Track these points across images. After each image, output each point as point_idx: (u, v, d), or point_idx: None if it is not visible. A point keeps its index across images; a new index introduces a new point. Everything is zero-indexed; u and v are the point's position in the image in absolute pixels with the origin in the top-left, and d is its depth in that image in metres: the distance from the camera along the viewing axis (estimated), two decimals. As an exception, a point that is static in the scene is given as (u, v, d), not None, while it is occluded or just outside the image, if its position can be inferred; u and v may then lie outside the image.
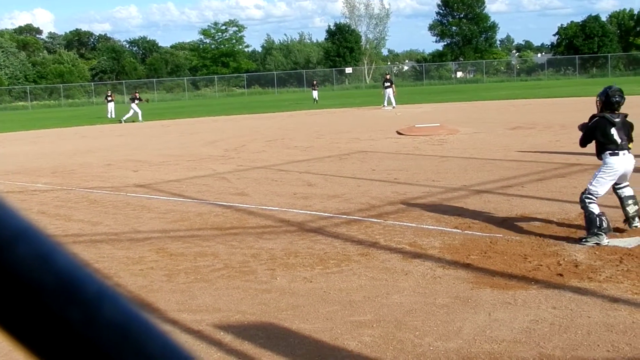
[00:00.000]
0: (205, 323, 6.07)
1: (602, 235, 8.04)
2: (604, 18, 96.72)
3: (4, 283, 0.42)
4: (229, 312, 6.34)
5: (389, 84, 41.58)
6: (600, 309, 5.91)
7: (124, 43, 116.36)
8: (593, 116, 8.60)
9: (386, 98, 41.32)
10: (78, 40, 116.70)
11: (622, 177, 8.42)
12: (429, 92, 62.84)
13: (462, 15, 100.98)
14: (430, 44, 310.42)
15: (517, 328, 5.58)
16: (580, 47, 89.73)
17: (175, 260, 8.36)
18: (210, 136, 27.21)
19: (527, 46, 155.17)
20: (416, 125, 24.55)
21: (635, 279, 6.66)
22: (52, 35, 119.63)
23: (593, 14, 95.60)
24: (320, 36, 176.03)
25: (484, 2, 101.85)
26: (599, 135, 8.39)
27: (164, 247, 9.10)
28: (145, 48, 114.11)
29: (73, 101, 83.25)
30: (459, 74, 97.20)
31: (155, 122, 39.35)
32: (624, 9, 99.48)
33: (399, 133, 23.62)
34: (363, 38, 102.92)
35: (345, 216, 10.45)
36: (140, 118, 41.33)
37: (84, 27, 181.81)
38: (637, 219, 8.51)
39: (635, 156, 8.71)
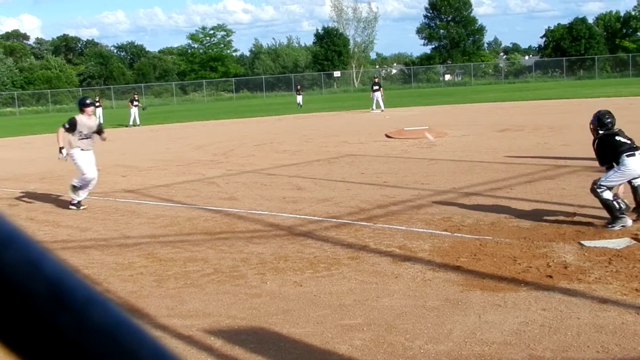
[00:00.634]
0: (195, 328, 6.06)
1: (624, 217, 8.59)
2: (590, 20, 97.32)
3: (-7, 290, 0.42)
4: (219, 317, 6.33)
5: (377, 87, 41.66)
6: (590, 310, 5.93)
7: (112, 48, 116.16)
8: (594, 140, 8.98)
9: (375, 101, 41.39)
10: (65, 46, 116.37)
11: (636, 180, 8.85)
12: (417, 95, 62.95)
13: (449, 19, 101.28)
14: (418, 47, 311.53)
15: (507, 330, 5.60)
16: (568, 49, 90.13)
17: (164, 266, 8.34)
18: (199, 141, 27.16)
19: (515, 49, 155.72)
20: (405, 129, 24.58)
21: (624, 280, 6.69)
22: (39, 41, 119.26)
23: (580, 16, 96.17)
24: (308, 40, 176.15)
25: (471, 5, 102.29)
26: (608, 151, 8.84)
27: (154, 252, 9.08)
28: (133, 53, 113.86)
29: (61, 107, 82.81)
30: (447, 77, 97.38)
31: (143, 127, 39.27)
32: (611, 11, 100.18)
33: (387, 136, 23.65)
34: (351, 42, 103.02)
35: (334, 220, 10.45)
36: (130, 122, 41.24)
37: (72, 33, 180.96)
38: None
39: None
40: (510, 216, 9.85)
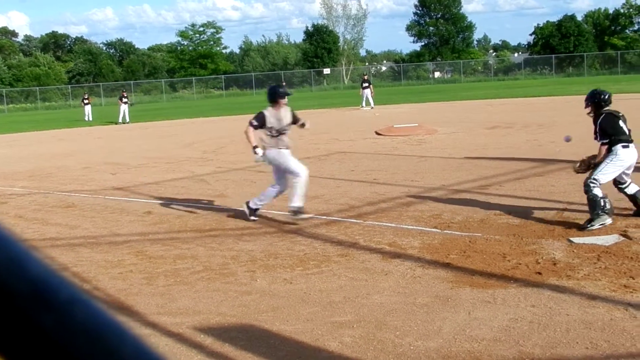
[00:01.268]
0: (185, 326, 6.05)
1: (605, 215, 8.50)
2: (579, 18, 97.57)
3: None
4: (209, 315, 6.32)
5: (367, 84, 41.66)
6: (579, 307, 5.95)
7: (101, 45, 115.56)
8: (598, 115, 8.93)
9: (364, 99, 41.38)
10: (54, 43, 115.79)
11: (626, 170, 8.83)
12: (407, 92, 62.98)
13: (439, 16, 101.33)
14: (407, 45, 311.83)
15: (496, 327, 5.61)
16: (557, 46, 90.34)
17: (154, 263, 8.32)
18: (188, 138, 27.12)
19: (504, 46, 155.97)
20: (395, 126, 24.60)
21: (612, 277, 6.72)
22: (27, 38, 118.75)
23: (569, 14, 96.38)
24: (298, 37, 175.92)
25: (460, 3, 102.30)
26: (610, 129, 8.83)
27: (143, 250, 9.06)
28: (122, 50, 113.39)
29: (50, 104, 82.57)
30: (437, 74, 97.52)
31: (133, 125, 39.16)
32: (599, 9, 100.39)
33: (377, 133, 23.66)
34: (341, 39, 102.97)
35: (324, 217, 10.45)
36: (120, 119, 41.14)
37: (60, 30, 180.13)
38: None
39: None
40: (499, 213, 9.87)
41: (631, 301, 6.01)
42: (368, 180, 13.74)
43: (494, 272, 7.15)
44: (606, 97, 9.02)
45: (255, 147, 10.55)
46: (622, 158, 8.66)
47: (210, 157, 19.95)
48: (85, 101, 47.34)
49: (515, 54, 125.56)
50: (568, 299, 6.16)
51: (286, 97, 10.86)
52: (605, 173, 8.66)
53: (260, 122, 10.54)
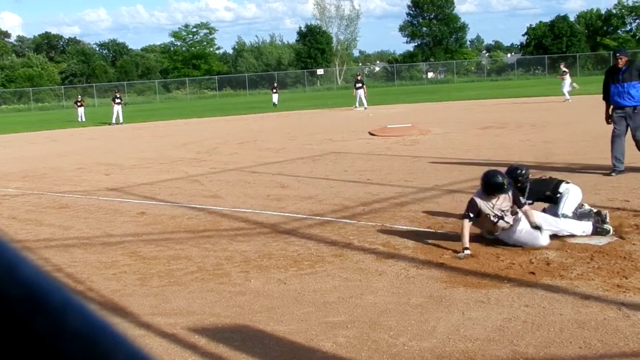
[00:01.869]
0: (179, 326, 6.04)
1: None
2: (572, 18, 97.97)
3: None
4: (203, 315, 6.31)
5: (360, 85, 41.70)
6: (572, 307, 5.96)
7: (94, 46, 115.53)
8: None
9: (357, 99, 41.43)
10: (47, 44, 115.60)
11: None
12: (401, 92, 63.06)
13: (432, 16, 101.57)
14: (401, 45, 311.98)
15: (490, 326, 5.62)
16: (549, 47, 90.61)
17: (148, 264, 8.31)
18: (182, 139, 27.08)
19: (497, 46, 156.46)
20: (388, 126, 24.61)
21: (606, 276, 6.73)
22: (20, 39, 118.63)
23: (561, 14, 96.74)
24: (291, 38, 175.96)
25: (453, 3, 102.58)
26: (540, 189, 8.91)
27: (137, 250, 9.04)
28: (116, 51, 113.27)
29: (43, 105, 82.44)
30: (430, 75, 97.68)
31: (126, 125, 39.13)
32: (592, 9, 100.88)
33: (371, 134, 23.68)
34: (334, 39, 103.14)
35: (318, 217, 10.45)
36: (113, 120, 41.09)
37: (53, 31, 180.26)
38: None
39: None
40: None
41: (624, 301, 6.03)
42: (362, 180, 13.74)
43: (488, 272, 7.16)
44: (524, 171, 8.93)
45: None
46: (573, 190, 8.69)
47: (204, 157, 19.94)
48: (79, 103, 47.27)
49: (508, 55, 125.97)
50: (561, 299, 6.17)
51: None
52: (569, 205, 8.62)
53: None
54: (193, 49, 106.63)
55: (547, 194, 8.82)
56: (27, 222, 11.54)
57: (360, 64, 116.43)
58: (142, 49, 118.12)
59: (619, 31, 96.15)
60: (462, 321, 5.77)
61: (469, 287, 6.68)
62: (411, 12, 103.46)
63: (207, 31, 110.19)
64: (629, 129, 12.24)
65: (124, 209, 12.23)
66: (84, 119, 44.89)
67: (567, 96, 35.51)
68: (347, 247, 8.54)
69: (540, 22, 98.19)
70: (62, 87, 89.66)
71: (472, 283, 6.80)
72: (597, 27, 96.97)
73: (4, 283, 0.42)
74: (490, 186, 8.11)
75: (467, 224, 8.03)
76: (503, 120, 26.26)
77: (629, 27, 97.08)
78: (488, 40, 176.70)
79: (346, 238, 9.01)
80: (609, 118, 12.56)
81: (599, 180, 11.89)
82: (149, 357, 0.46)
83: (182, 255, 8.66)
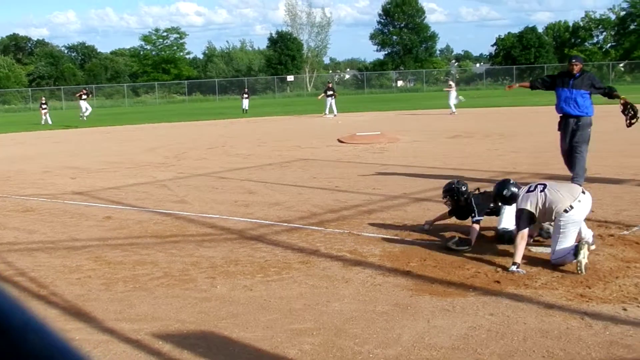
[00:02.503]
0: (143, 332, 5.99)
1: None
2: (540, 30, 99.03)
3: None
4: (168, 321, 6.27)
5: (331, 92, 41.82)
6: (536, 316, 6.02)
7: (63, 48, 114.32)
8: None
9: (328, 106, 41.53)
10: (15, 45, 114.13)
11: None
12: (370, 100, 63.29)
13: (402, 25, 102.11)
14: (371, 53, 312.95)
15: (455, 335, 5.65)
16: (518, 57, 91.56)
17: (113, 269, 8.24)
18: (150, 143, 26.93)
19: (466, 56, 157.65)
20: (357, 134, 24.69)
21: (569, 286, 6.81)
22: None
23: (530, 26, 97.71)
24: (262, 44, 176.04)
25: (424, 13, 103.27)
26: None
27: (102, 255, 8.96)
28: (84, 54, 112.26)
29: (9, 107, 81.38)
30: (400, 83, 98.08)
31: (94, 129, 38.79)
32: (560, 21, 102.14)
33: (340, 141, 23.74)
34: (305, 46, 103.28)
35: (286, 224, 10.44)
36: (82, 114, 40.91)
37: (21, 32, 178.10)
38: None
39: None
40: (460, 222, 9.93)
41: (587, 310, 6.09)
42: (330, 187, 13.76)
43: (454, 280, 7.21)
44: (464, 188, 9.06)
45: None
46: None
47: (172, 162, 19.84)
48: (43, 106, 46.71)
49: (477, 64, 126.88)
50: (526, 308, 6.23)
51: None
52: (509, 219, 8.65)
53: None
54: (163, 53, 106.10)
55: (492, 207, 8.89)
56: (-9, 225, 11.38)
57: (330, 72, 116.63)
58: (111, 52, 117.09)
59: (586, 43, 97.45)
60: (428, 329, 5.80)
61: (435, 295, 6.72)
62: (382, 20, 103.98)
63: (178, 36, 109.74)
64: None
65: (90, 213, 12.12)
66: (49, 122, 44.39)
67: (454, 109, 37.01)
68: (314, 254, 8.54)
69: (509, 33, 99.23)
70: (30, 89, 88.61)
71: (438, 291, 6.84)
72: (564, 39, 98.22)
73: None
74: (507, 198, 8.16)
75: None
76: (471, 129, 26.47)
77: (595, 40, 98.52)
78: (457, 50, 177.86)
79: (313, 245, 9.01)
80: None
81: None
82: None
83: (148, 260, 8.60)
